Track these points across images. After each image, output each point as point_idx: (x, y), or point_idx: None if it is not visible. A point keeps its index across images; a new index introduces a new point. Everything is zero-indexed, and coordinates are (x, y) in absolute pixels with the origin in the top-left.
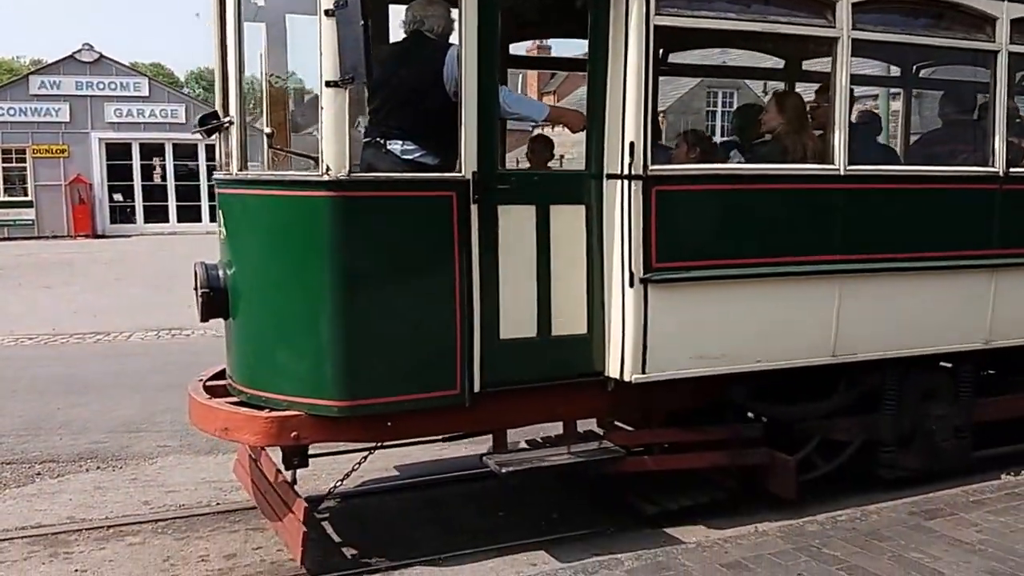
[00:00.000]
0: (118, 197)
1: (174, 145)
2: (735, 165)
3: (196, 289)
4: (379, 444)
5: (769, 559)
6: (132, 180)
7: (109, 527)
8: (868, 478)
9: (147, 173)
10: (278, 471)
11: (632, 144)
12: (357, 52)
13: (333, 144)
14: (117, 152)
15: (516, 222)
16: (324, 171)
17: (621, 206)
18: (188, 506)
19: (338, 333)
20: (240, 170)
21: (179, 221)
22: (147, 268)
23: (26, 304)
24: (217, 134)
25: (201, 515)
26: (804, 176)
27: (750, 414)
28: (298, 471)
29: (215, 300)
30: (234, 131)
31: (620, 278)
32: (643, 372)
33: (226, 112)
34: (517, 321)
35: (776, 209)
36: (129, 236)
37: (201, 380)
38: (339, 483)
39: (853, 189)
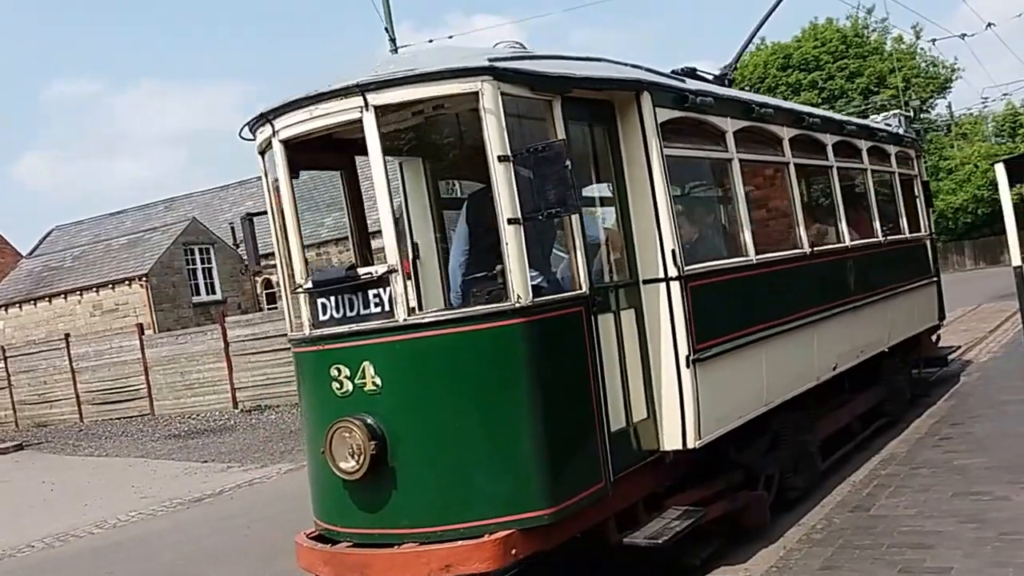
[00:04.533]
0: None
1: None
2: (738, 260)
3: (327, 447)
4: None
5: (834, 556)
6: None
7: None
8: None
9: None
10: None
11: (673, 251)
12: (563, 187)
13: (519, 275)
14: None
15: (606, 328)
16: (516, 300)
17: (670, 303)
18: None
19: (539, 444)
20: (409, 315)
21: None
22: None
23: None
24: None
25: None
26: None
27: None
28: None
29: (381, 452)
30: (398, 279)
31: (674, 362)
32: (700, 437)
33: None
34: (616, 414)
35: (749, 288)
36: None
37: (319, 547)
38: None
39: (764, 272)
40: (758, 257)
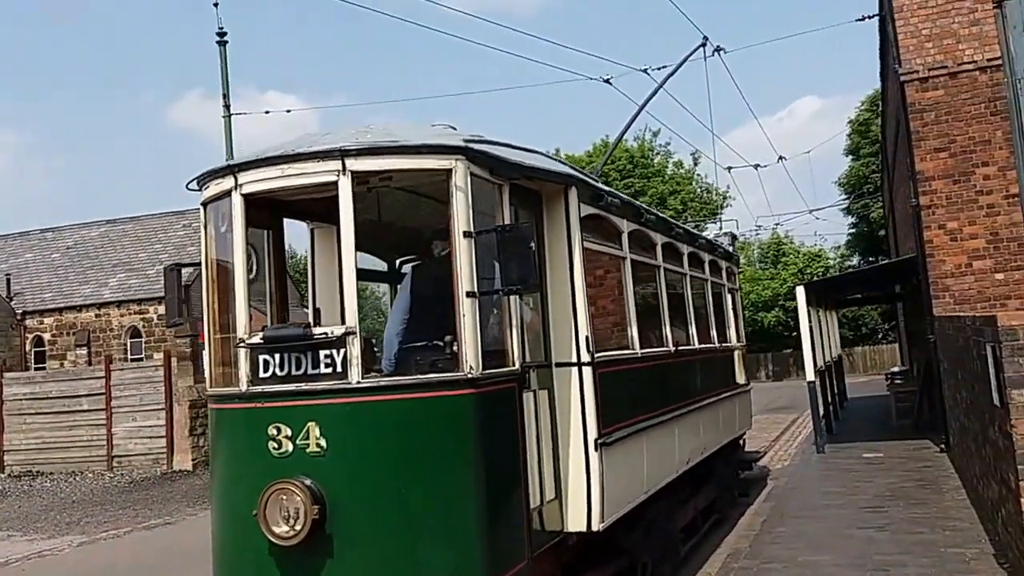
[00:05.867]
0: None
1: None
2: (628, 352)
3: (261, 509)
4: None
5: None
6: None
7: None
8: None
9: None
10: None
11: (587, 337)
12: (526, 266)
13: (472, 347)
14: None
15: (529, 405)
16: (468, 371)
17: (581, 386)
18: None
19: (481, 517)
20: (364, 377)
21: None
22: None
23: None
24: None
25: None
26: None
27: None
28: None
29: (322, 518)
30: (356, 341)
31: (582, 444)
32: (603, 520)
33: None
34: (534, 493)
35: (637, 379)
36: None
37: None
38: None
39: (645, 366)
40: (641, 351)
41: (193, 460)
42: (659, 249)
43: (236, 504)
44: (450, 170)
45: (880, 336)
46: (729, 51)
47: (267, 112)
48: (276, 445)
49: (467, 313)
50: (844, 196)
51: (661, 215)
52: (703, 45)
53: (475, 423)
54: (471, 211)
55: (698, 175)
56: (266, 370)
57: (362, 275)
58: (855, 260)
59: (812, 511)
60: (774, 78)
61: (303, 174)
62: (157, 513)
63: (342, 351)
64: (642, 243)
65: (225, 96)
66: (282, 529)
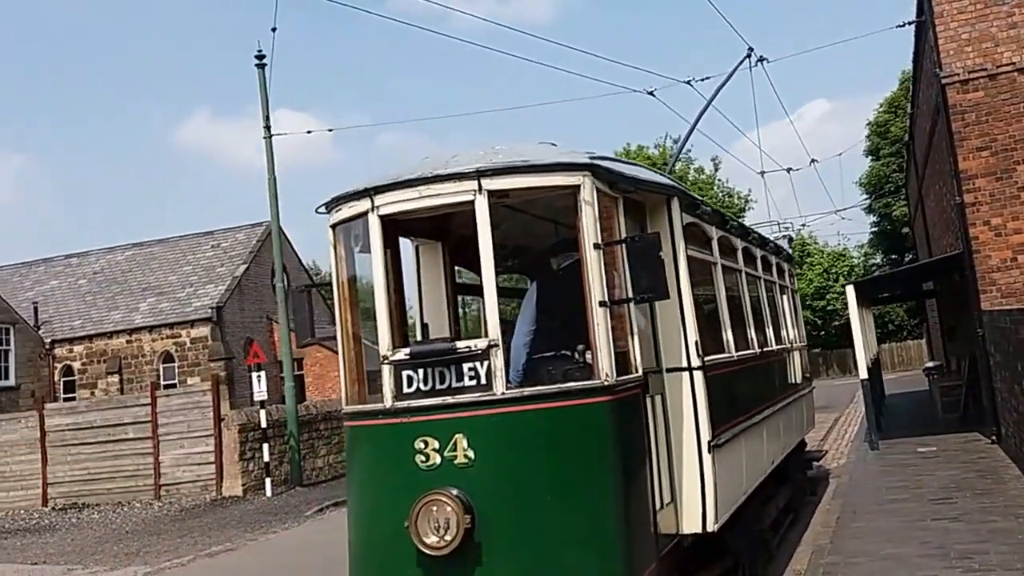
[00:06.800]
0: None
1: None
2: (725, 355)
3: (412, 521)
4: None
5: None
6: None
7: None
8: None
9: None
10: None
11: (697, 342)
12: (655, 275)
13: (607, 355)
14: None
15: (650, 410)
16: (604, 378)
17: (693, 390)
18: None
19: (621, 522)
20: (507, 389)
21: None
22: None
23: None
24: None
25: None
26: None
27: None
28: None
29: (472, 528)
30: (499, 353)
31: (695, 446)
32: (716, 520)
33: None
34: (656, 494)
35: (735, 382)
36: None
37: None
38: None
39: (740, 368)
40: (737, 354)
41: (243, 485)
42: (740, 254)
43: (382, 517)
44: (578, 186)
45: (906, 333)
46: (771, 61)
47: (309, 132)
48: (424, 458)
49: (600, 322)
50: (865, 196)
51: (740, 222)
52: (748, 56)
53: (612, 429)
54: (598, 224)
55: (719, 180)
56: (410, 385)
57: (461, 289)
58: (878, 258)
59: (881, 506)
60: (787, 81)
61: (440, 195)
62: (216, 540)
63: (486, 363)
64: (726, 249)
65: (266, 119)
66: (432, 539)
